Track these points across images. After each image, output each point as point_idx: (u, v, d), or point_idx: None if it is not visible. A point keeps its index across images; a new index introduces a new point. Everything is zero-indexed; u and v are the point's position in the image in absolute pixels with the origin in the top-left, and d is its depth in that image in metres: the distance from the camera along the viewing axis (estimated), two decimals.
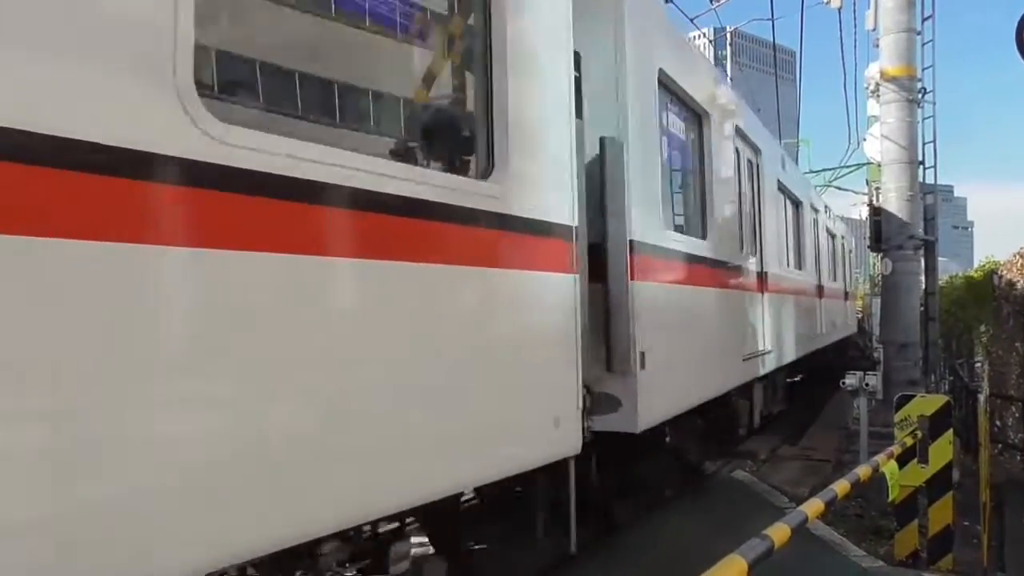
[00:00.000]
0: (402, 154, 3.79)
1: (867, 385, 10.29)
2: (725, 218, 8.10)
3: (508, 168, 3.83)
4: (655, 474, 7.56)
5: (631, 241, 5.41)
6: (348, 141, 3.67)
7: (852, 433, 12.48)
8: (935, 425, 6.89)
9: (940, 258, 16.99)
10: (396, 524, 3.92)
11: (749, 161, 9.57)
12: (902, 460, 6.52)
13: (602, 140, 5.31)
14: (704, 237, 7.41)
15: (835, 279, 18.95)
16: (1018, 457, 12.31)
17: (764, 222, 9.99)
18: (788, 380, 13.25)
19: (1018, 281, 13.55)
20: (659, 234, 6.07)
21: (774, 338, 10.03)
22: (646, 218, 5.75)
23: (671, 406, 6.21)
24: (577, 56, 4.73)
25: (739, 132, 8.89)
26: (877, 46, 14.92)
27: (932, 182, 15.53)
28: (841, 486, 4.66)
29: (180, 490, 2.38)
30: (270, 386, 2.68)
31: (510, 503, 4.91)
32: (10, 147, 1.97)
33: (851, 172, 30.54)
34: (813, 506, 4.19)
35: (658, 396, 5.75)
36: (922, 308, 15.05)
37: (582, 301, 4.52)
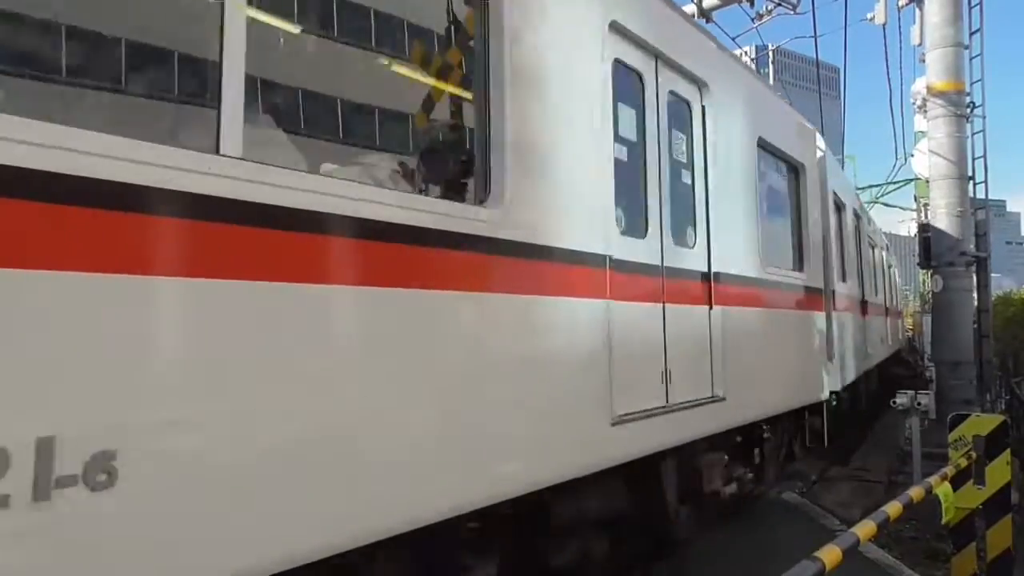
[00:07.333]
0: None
1: (919, 404, 10.08)
2: (853, 269, 12.64)
3: (807, 266, 8.49)
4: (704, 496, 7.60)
5: (831, 291, 9.61)
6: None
7: (905, 454, 12.22)
8: (992, 445, 6.73)
9: (993, 274, 16.63)
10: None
11: (856, 228, 13.80)
12: (957, 481, 6.38)
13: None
14: (846, 282, 11.72)
15: (892, 301, 23.70)
16: None
17: (864, 266, 14.30)
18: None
19: None
20: (839, 284, 10.54)
21: (871, 344, 14.43)
22: (836, 276, 10.21)
23: (848, 378, 10.87)
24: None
25: (855, 214, 13.55)
26: (923, 61, 14.74)
27: (983, 197, 15.25)
28: (893, 508, 4.59)
29: None
30: None
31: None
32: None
33: (898, 188, 30.13)
34: (864, 528, 4.13)
35: (842, 373, 10.12)
36: (975, 326, 14.72)
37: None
